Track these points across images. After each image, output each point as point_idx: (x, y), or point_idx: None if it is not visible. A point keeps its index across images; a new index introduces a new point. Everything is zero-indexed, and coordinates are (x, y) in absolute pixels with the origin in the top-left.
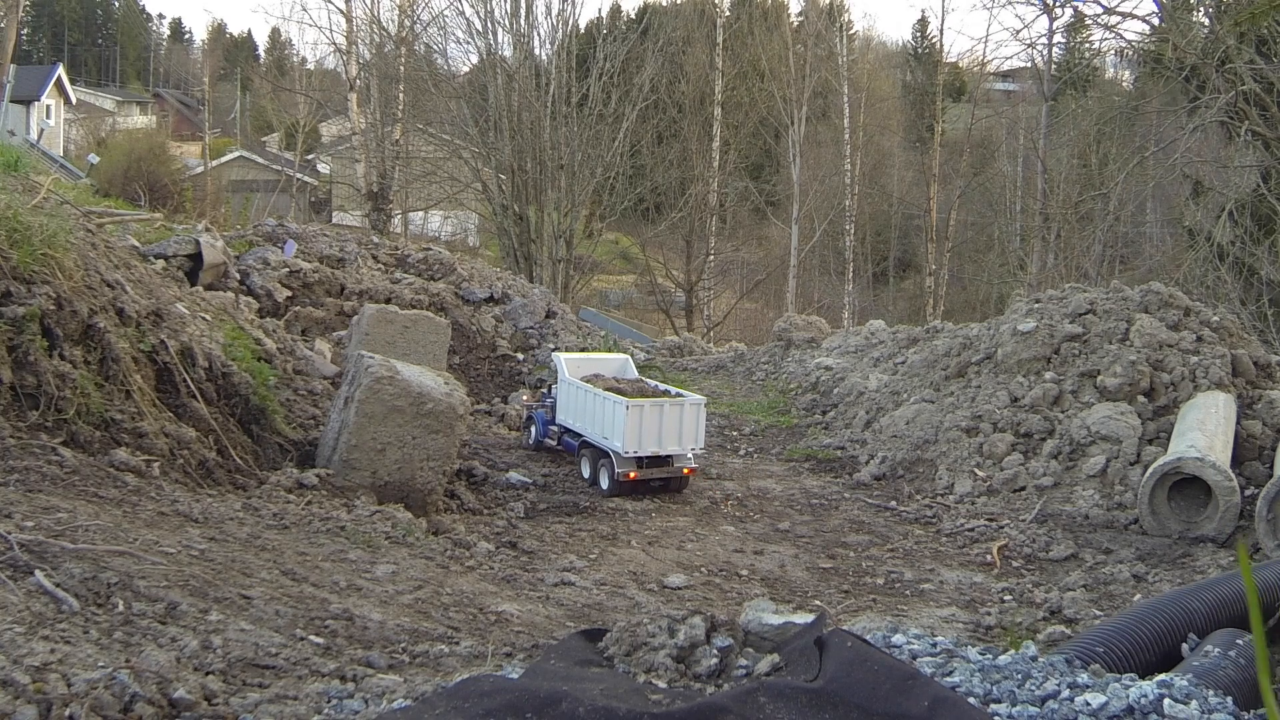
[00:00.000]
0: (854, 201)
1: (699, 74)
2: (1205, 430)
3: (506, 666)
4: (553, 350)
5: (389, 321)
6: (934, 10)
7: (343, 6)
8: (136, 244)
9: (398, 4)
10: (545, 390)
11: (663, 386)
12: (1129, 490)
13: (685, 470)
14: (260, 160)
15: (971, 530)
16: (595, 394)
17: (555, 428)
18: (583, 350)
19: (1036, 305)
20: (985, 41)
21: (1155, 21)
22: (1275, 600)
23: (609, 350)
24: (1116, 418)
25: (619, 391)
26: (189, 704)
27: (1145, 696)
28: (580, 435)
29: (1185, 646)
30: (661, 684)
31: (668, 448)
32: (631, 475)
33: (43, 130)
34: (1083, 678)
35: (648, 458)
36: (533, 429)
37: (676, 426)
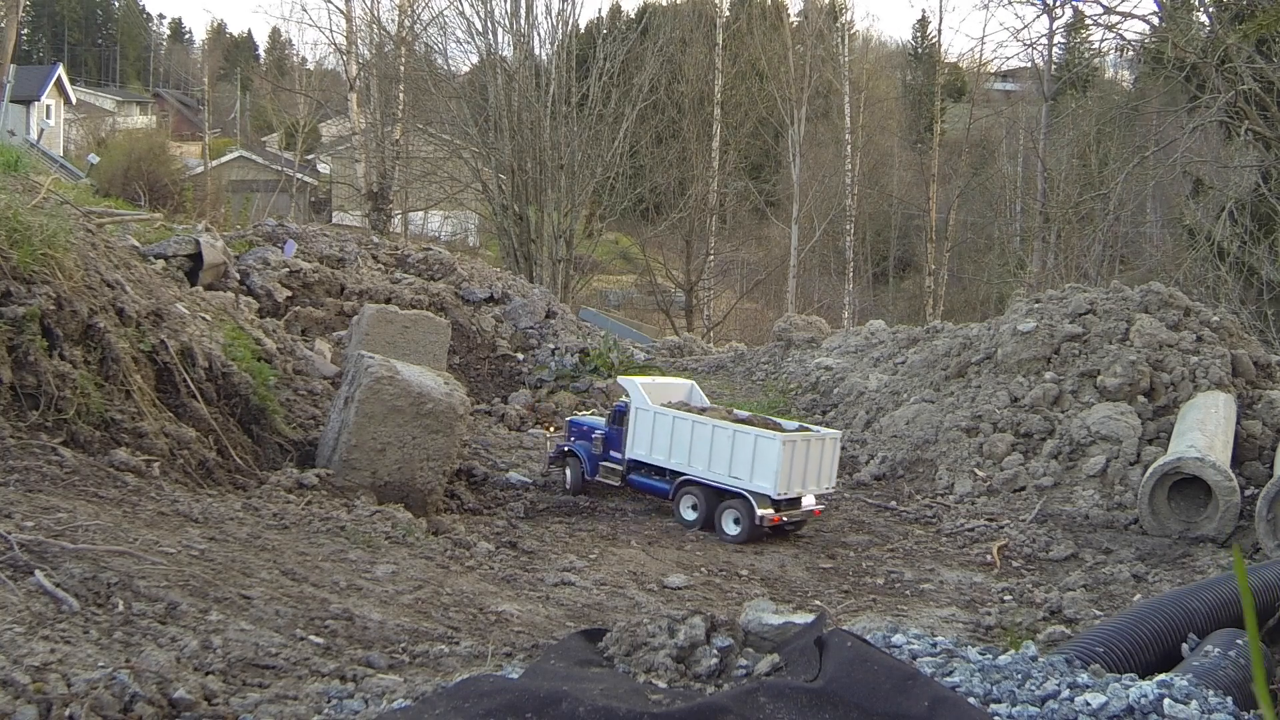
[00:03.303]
0: (854, 201)
1: (698, 74)
2: (1205, 430)
3: (506, 666)
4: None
5: (389, 321)
6: (933, 10)
7: (343, 6)
8: (136, 244)
9: (398, 4)
10: (610, 418)
11: (756, 416)
12: (1129, 490)
13: (815, 511)
14: (260, 160)
15: (971, 530)
16: (722, 428)
17: (616, 465)
18: (583, 352)
19: (1036, 305)
20: (984, 41)
21: (1155, 21)
22: (1275, 600)
23: (609, 349)
24: (1116, 418)
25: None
26: (189, 704)
27: (1145, 696)
28: (680, 474)
29: (1185, 646)
30: (661, 684)
31: (811, 486)
32: (776, 519)
33: (43, 130)
34: (1083, 678)
35: (787, 499)
36: (569, 468)
37: (818, 463)
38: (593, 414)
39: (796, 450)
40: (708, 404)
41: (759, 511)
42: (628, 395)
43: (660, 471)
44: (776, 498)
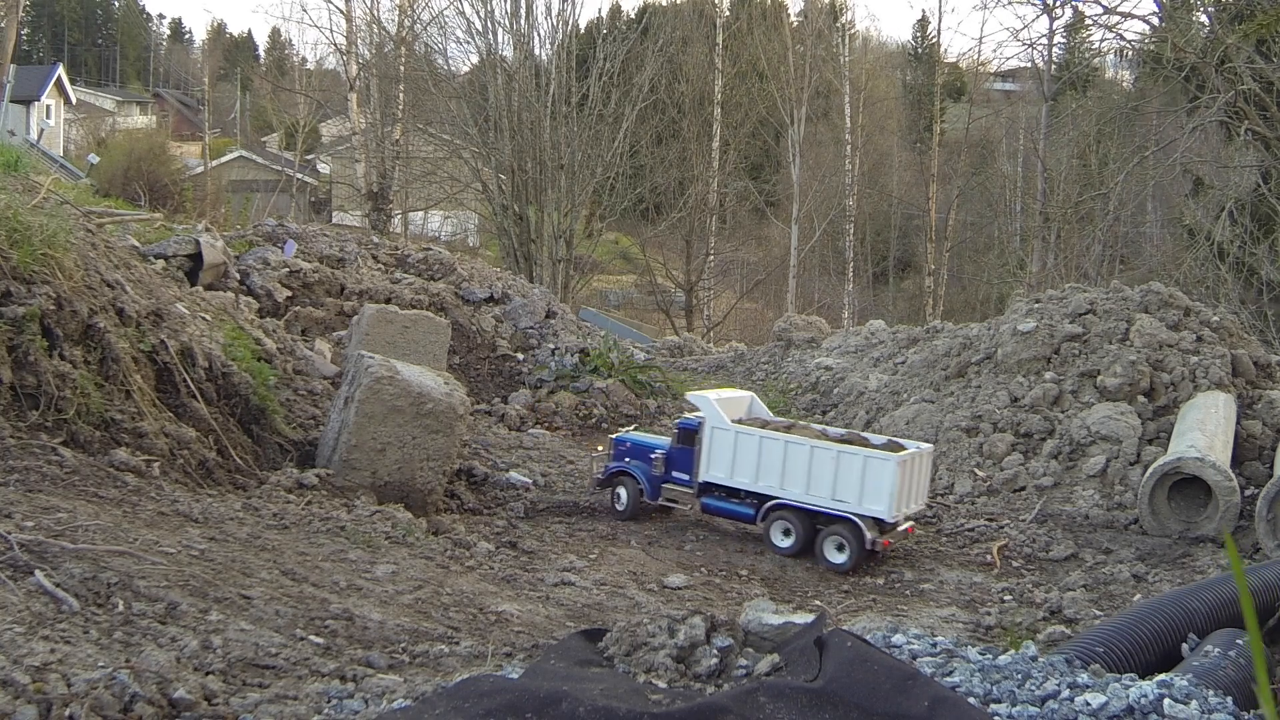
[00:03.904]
0: (854, 201)
1: (698, 74)
2: (1205, 430)
3: (506, 666)
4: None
5: (389, 321)
6: (933, 10)
7: (343, 6)
8: (136, 244)
9: (398, 4)
10: (678, 436)
11: (850, 433)
12: (1129, 490)
13: (909, 529)
14: (260, 160)
15: (971, 530)
16: (824, 448)
17: (685, 487)
18: (583, 352)
19: (1036, 305)
20: (983, 41)
21: (1155, 21)
22: (1276, 600)
23: (609, 349)
24: (1116, 418)
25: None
26: (189, 704)
27: (1145, 696)
28: (770, 497)
29: (1185, 646)
30: (661, 684)
31: (912, 505)
32: (886, 542)
33: (43, 130)
34: (1083, 678)
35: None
36: (624, 490)
37: (918, 481)
38: (636, 429)
39: (909, 468)
40: (770, 416)
41: (869, 536)
42: (698, 412)
43: (734, 493)
44: (891, 521)
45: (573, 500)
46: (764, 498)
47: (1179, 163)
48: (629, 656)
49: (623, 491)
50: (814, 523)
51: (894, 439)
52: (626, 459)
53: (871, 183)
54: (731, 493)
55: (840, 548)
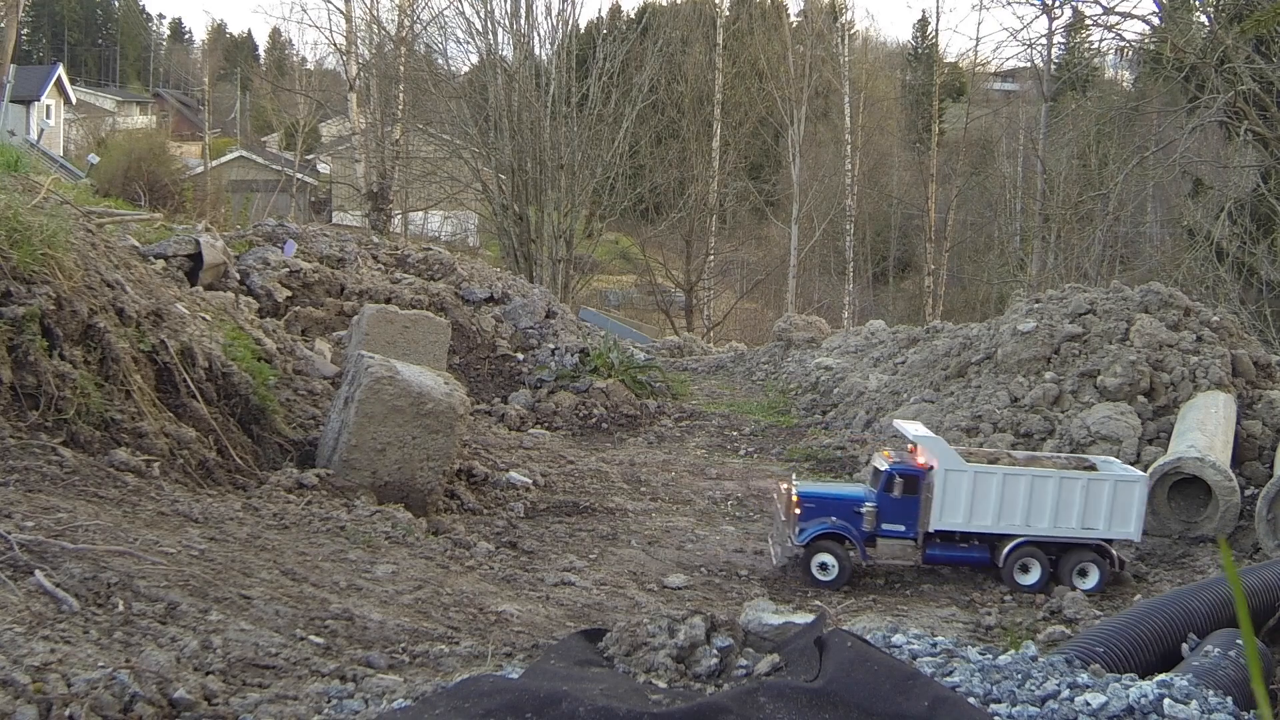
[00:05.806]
0: (854, 201)
1: (698, 74)
2: (1205, 430)
3: (506, 666)
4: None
5: (389, 321)
6: (931, 10)
7: (343, 6)
8: (136, 244)
9: (398, 4)
10: (902, 485)
11: (1073, 457)
12: None
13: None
14: (260, 160)
15: None
16: (1073, 478)
17: (907, 539)
18: (583, 352)
19: (1036, 305)
20: (982, 41)
21: (1155, 21)
22: (1276, 600)
23: (609, 349)
24: (1116, 418)
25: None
26: (189, 704)
27: (1145, 696)
28: (1010, 536)
29: (1185, 646)
30: (661, 684)
31: None
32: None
33: (43, 130)
34: (1083, 678)
35: None
36: (833, 557)
37: None
38: (802, 480)
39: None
40: (963, 448)
41: (1120, 557)
42: (883, 455)
43: (951, 536)
44: (1139, 541)
45: (573, 500)
46: (1001, 538)
47: (1179, 163)
48: (629, 656)
49: (829, 559)
50: (1049, 553)
51: (1080, 456)
52: (832, 517)
53: (871, 183)
54: (950, 536)
55: (1083, 573)
